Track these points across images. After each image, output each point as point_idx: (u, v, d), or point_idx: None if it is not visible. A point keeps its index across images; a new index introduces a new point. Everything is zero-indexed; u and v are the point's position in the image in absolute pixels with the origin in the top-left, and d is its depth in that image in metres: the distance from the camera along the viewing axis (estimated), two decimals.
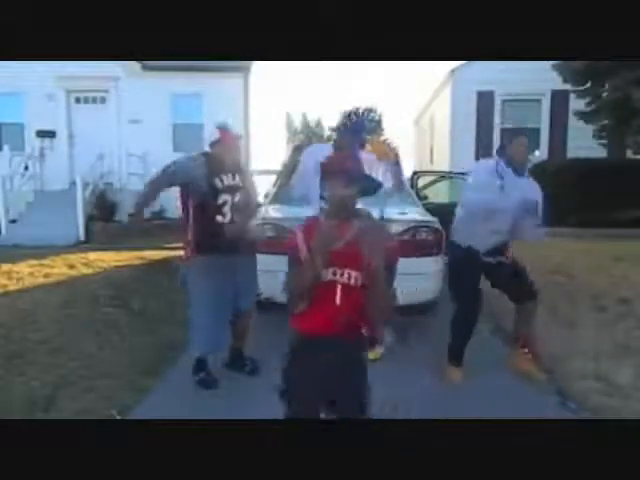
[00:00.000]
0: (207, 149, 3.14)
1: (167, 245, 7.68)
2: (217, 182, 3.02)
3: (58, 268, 6.06)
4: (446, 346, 3.33)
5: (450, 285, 3.38)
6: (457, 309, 3.32)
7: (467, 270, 3.22)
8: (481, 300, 3.27)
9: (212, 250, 3.01)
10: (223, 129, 3.09)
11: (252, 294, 3.35)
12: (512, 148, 3.11)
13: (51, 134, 10.79)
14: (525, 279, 3.29)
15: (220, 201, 3.02)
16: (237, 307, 3.21)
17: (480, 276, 3.26)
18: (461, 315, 3.28)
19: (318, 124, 49.36)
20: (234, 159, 3.14)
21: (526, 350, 3.30)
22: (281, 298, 3.90)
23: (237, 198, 3.08)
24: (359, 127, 3.12)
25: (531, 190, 3.13)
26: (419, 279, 3.84)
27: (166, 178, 3.07)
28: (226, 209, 3.04)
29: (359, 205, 1.78)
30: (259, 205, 3.64)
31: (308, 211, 4.30)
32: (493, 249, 3.16)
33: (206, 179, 2.99)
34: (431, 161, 14.83)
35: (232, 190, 3.07)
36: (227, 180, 3.05)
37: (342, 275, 1.71)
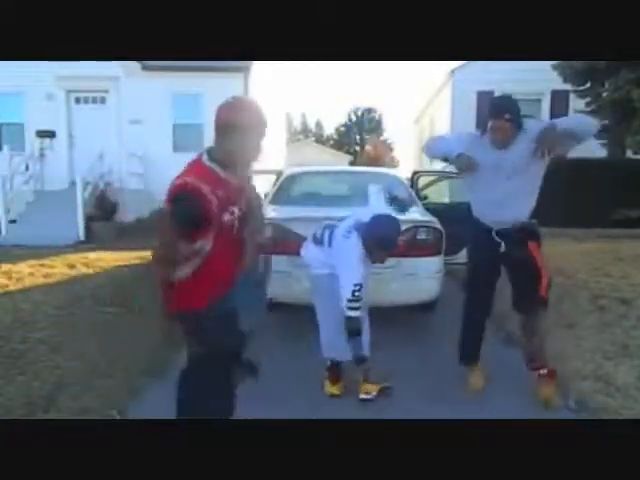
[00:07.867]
0: None
1: None
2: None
3: (58, 268, 6.06)
4: (445, 347, 3.32)
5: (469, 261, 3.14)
6: (470, 295, 3.11)
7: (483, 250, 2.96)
8: (493, 287, 3.03)
9: None
10: None
11: (254, 314, 3.12)
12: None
13: (51, 134, 10.79)
14: (532, 283, 2.83)
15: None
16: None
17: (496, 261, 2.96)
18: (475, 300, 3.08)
19: (318, 124, 49.32)
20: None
21: (542, 372, 2.96)
22: (281, 298, 3.93)
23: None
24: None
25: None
26: (419, 279, 3.84)
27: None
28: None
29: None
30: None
31: (307, 211, 4.33)
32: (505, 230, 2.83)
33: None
34: (431, 161, 14.82)
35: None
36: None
37: None
